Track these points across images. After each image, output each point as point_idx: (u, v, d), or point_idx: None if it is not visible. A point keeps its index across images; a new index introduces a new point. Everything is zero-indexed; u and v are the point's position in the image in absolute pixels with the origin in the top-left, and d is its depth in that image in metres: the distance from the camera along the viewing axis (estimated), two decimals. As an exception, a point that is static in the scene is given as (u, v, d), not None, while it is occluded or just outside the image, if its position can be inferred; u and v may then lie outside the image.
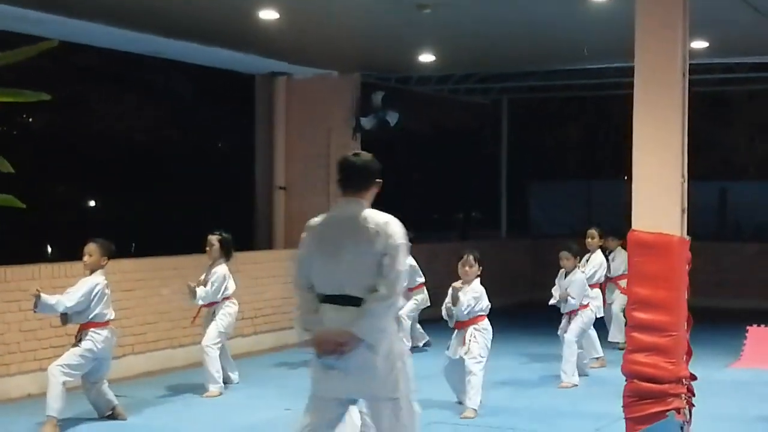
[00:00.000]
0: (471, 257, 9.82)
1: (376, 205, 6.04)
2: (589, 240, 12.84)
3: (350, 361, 5.72)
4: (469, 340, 9.67)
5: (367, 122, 15.62)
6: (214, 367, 10.51)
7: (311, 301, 5.89)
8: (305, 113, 15.80)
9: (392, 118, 15.73)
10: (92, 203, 25.34)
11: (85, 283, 8.93)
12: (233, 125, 20.96)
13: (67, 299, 8.82)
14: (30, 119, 23.57)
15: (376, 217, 5.91)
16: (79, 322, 8.98)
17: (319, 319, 5.81)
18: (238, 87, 17.65)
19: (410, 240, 6.04)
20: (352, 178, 6.03)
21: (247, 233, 15.56)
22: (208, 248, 10.74)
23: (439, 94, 18.66)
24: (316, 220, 6.07)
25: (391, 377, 5.81)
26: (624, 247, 12.51)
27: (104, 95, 22.60)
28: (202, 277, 10.71)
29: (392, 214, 6.00)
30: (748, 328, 12.89)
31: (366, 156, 6.14)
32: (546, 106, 22.88)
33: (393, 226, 5.85)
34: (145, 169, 22.46)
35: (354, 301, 5.75)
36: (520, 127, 21.60)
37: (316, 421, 5.88)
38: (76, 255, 9.75)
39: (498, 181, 20.69)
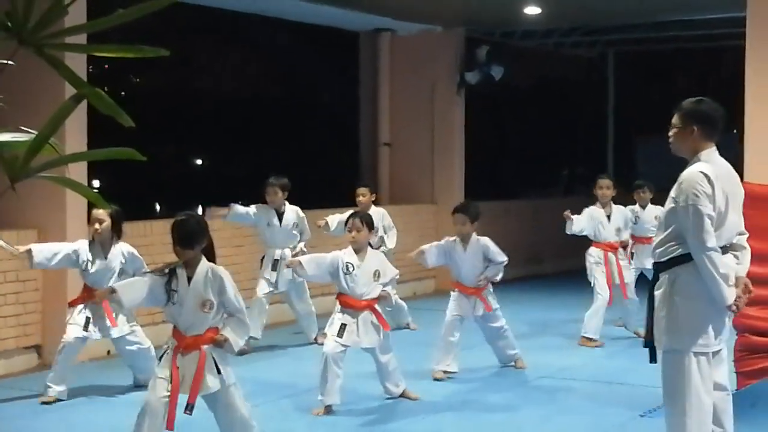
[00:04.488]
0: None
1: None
2: (603, 191, 11.18)
3: None
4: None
5: (471, 77, 15.56)
6: None
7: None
8: (409, 69, 15.79)
9: (497, 72, 15.64)
10: (199, 161, 25.69)
11: None
12: (337, 82, 21.03)
13: None
14: (137, 79, 23.94)
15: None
16: None
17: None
18: (342, 44, 17.68)
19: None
20: (718, 127, 5.91)
21: (351, 190, 15.65)
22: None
23: (543, 48, 18.48)
24: (708, 171, 5.72)
25: None
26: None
27: (209, 54, 22.84)
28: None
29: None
30: None
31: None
32: (653, 58, 22.47)
33: None
34: (251, 127, 22.68)
35: (728, 248, 5.84)
36: (627, 80, 21.26)
37: (707, 379, 5.81)
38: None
39: (604, 136, 20.44)
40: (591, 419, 8.16)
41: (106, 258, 8.83)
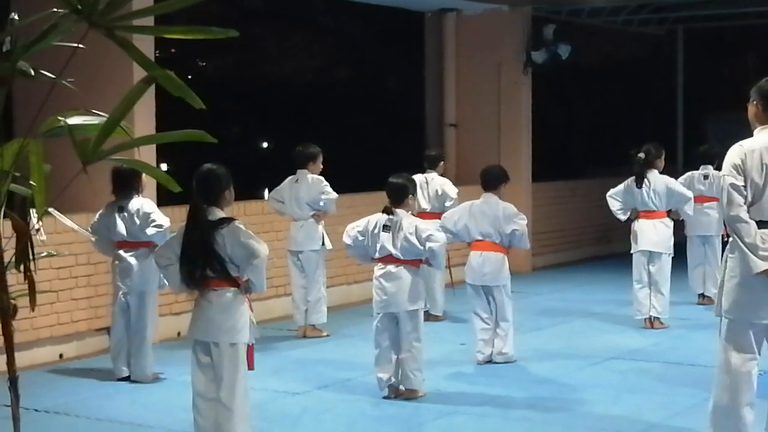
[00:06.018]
0: None
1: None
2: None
3: None
4: None
5: (538, 56, 15.41)
6: None
7: (754, 229, 5.77)
8: (475, 49, 15.69)
9: (564, 51, 15.47)
10: (265, 144, 25.81)
11: None
12: (403, 63, 20.99)
13: None
14: (204, 63, 24.08)
15: None
16: None
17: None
18: (407, 25, 17.63)
19: None
20: None
21: (417, 171, 15.61)
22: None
23: (611, 26, 18.26)
24: (747, 143, 5.81)
25: None
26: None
27: (273, 37, 22.90)
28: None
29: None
30: None
31: None
32: (723, 35, 22.12)
33: None
34: (316, 109, 22.73)
35: None
36: (697, 57, 20.96)
37: (745, 349, 5.89)
38: (252, 195, 9.97)
39: (674, 114, 20.18)
40: (663, 400, 8.07)
41: None
